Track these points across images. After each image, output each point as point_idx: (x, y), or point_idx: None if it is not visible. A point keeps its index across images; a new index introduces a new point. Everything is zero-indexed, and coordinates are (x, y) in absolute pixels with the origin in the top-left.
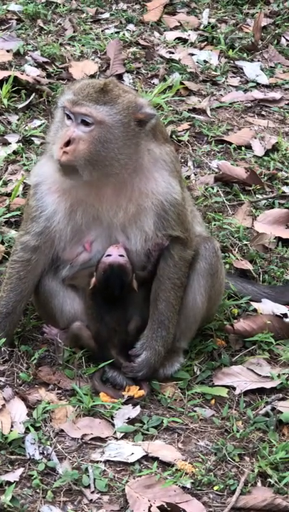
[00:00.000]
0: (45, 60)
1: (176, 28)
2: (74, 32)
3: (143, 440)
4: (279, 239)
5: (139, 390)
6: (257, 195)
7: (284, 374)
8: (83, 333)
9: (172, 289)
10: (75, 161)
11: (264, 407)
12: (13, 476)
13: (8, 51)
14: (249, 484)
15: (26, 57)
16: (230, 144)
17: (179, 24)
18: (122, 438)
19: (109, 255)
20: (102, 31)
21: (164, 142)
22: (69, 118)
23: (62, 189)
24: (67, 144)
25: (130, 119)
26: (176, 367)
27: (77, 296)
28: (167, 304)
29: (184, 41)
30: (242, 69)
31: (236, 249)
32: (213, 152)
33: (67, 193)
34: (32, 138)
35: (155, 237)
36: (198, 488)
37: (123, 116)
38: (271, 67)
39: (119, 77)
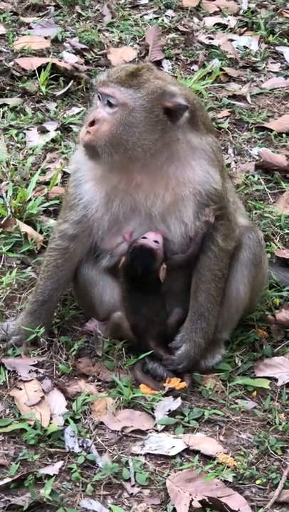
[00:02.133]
0: (84, 46)
1: (215, 13)
2: (112, 18)
3: (184, 433)
4: None
5: (181, 381)
6: None
7: None
8: (123, 323)
9: (213, 280)
10: (96, 142)
11: None
12: (53, 469)
13: (46, 38)
14: None
15: (64, 44)
16: (271, 130)
17: (218, 9)
18: (162, 431)
19: (144, 237)
20: (140, 17)
21: (206, 132)
22: (99, 99)
23: (98, 176)
24: (92, 124)
25: (154, 105)
26: (218, 358)
27: (117, 286)
28: (207, 295)
29: (224, 27)
30: (282, 54)
31: (278, 238)
32: (253, 139)
33: (102, 180)
34: (70, 125)
35: (195, 226)
36: (240, 482)
37: (146, 101)
38: None
39: (158, 63)
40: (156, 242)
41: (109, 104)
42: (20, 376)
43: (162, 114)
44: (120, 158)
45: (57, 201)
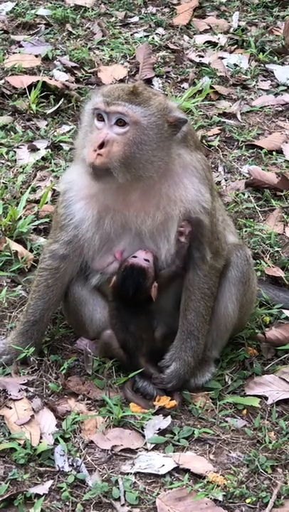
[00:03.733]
0: (74, 64)
1: (205, 31)
2: (103, 36)
3: (174, 451)
4: None
5: (171, 400)
6: (288, 201)
7: None
8: (113, 341)
9: (202, 299)
10: (110, 164)
11: None
12: (42, 488)
13: (36, 56)
14: (282, 497)
15: (55, 62)
16: (261, 148)
17: (208, 27)
18: (152, 449)
19: (135, 256)
20: (131, 35)
21: (195, 149)
22: (100, 120)
23: (90, 195)
24: (101, 146)
25: (163, 121)
26: (208, 376)
27: (108, 305)
28: (197, 314)
29: (214, 45)
30: (272, 72)
31: (268, 256)
32: (243, 157)
33: (95, 199)
34: (61, 144)
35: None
36: (231, 500)
37: (157, 117)
38: None
39: (149, 81)
40: (146, 260)
41: (120, 124)
42: (10, 395)
43: (168, 129)
44: (132, 178)
45: (47, 219)
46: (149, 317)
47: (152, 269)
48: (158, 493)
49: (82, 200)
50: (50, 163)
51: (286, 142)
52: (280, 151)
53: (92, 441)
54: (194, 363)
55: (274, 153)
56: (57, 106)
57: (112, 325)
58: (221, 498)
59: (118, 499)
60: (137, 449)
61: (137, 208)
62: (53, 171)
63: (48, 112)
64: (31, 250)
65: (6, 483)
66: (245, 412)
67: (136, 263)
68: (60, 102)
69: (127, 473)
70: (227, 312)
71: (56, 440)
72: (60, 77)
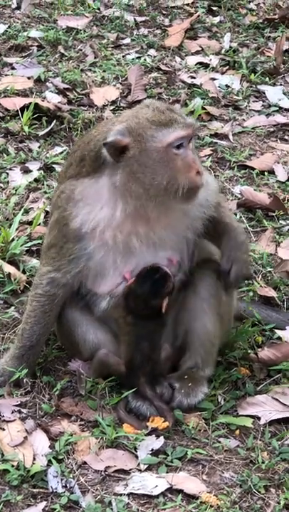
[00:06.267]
0: (66, 86)
1: (197, 52)
2: (95, 58)
3: (167, 472)
4: None
5: (164, 421)
6: (280, 221)
7: None
8: (110, 359)
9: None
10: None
11: None
12: (36, 510)
13: (29, 78)
14: None
15: (47, 83)
16: (253, 169)
17: (200, 49)
18: (145, 470)
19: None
20: (123, 57)
21: None
22: (180, 147)
23: (115, 226)
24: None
25: None
26: (200, 396)
27: (101, 326)
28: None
29: (206, 66)
30: (264, 93)
31: (260, 276)
32: (235, 178)
33: (119, 228)
34: (53, 165)
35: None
36: None
37: None
38: None
39: (141, 102)
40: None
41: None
42: (3, 416)
43: None
44: None
45: (40, 241)
46: (160, 337)
47: (172, 279)
48: None
49: (103, 233)
50: (43, 184)
51: (278, 162)
52: (271, 172)
53: (85, 462)
54: (248, 257)
55: (266, 173)
56: (49, 128)
57: (123, 341)
58: None
59: None
60: (130, 469)
61: (161, 222)
62: (45, 192)
63: (41, 133)
64: (24, 272)
65: None
66: (238, 432)
67: (160, 266)
68: (53, 124)
69: (121, 494)
70: (206, 329)
71: (49, 461)
72: (52, 99)
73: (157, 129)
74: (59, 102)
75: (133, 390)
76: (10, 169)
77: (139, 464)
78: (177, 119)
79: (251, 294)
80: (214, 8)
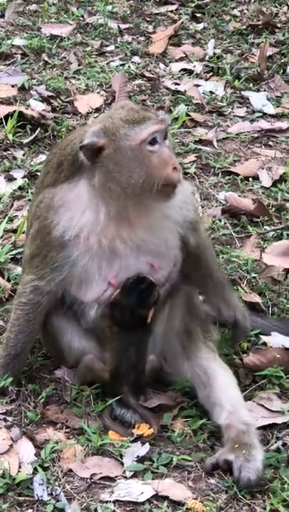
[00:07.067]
0: (51, 94)
1: (181, 59)
2: (79, 65)
3: (153, 479)
4: (288, 271)
5: (149, 428)
6: (265, 227)
7: None
8: (95, 364)
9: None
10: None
11: (275, 442)
12: None
13: (13, 86)
14: None
15: (31, 91)
16: (238, 175)
17: (184, 55)
18: (131, 477)
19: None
20: (107, 64)
21: None
22: (154, 143)
23: (99, 232)
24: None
25: None
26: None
27: (87, 333)
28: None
29: (190, 72)
30: (248, 99)
31: (245, 282)
32: (220, 184)
33: (103, 233)
34: (37, 173)
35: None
36: None
37: None
38: (277, 96)
39: None
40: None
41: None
42: None
43: None
44: None
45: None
46: (146, 346)
47: (157, 288)
48: None
49: (88, 239)
50: (27, 192)
51: (262, 168)
52: (256, 178)
53: (71, 470)
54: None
55: (250, 179)
56: (33, 135)
57: (109, 349)
58: None
59: None
60: (115, 476)
61: (143, 225)
62: (29, 200)
63: (25, 141)
64: (9, 280)
65: None
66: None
67: (146, 276)
68: (37, 132)
69: (106, 502)
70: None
71: (35, 469)
72: (36, 107)
73: (130, 127)
74: (43, 110)
75: (117, 397)
76: None
77: (124, 471)
78: (150, 116)
79: None
80: (198, 15)
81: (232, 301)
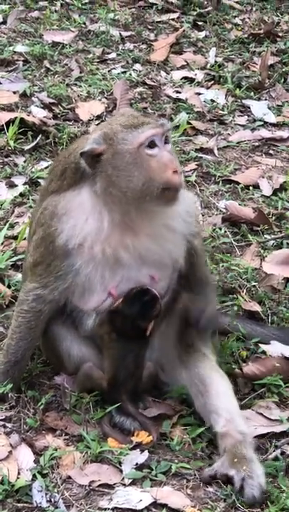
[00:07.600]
0: (52, 101)
1: (182, 67)
2: (80, 72)
3: (151, 486)
4: (288, 280)
5: (148, 436)
6: (265, 236)
7: None
8: (94, 372)
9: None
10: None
11: (273, 451)
12: None
13: (14, 92)
14: None
15: (33, 98)
16: (238, 183)
17: (185, 63)
18: (130, 484)
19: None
20: (108, 71)
21: None
22: (153, 147)
23: (103, 240)
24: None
25: None
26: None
27: (86, 340)
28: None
29: (191, 80)
30: (249, 108)
31: (244, 291)
32: (220, 192)
33: (107, 241)
34: (39, 180)
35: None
36: None
37: None
38: (278, 105)
39: None
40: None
41: (166, 141)
42: None
43: None
44: None
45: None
46: (144, 355)
47: (160, 302)
48: None
49: (92, 248)
50: (28, 199)
51: (263, 177)
52: (256, 186)
53: (69, 477)
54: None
55: (251, 188)
56: (35, 142)
57: (108, 356)
58: None
59: None
60: (114, 484)
61: (146, 233)
62: (30, 207)
63: (26, 148)
64: (9, 286)
65: None
66: None
67: (150, 288)
68: (38, 139)
69: (105, 509)
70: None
71: (34, 476)
72: (37, 114)
73: (128, 132)
74: (44, 117)
75: (117, 405)
76: None
77: (123, 479)
78: (148, 121)
79: (236, 308)
80: (200, 23)
81: (209, 298)
